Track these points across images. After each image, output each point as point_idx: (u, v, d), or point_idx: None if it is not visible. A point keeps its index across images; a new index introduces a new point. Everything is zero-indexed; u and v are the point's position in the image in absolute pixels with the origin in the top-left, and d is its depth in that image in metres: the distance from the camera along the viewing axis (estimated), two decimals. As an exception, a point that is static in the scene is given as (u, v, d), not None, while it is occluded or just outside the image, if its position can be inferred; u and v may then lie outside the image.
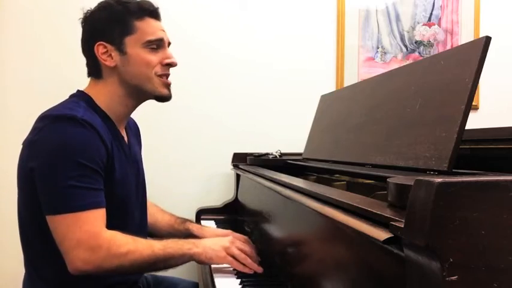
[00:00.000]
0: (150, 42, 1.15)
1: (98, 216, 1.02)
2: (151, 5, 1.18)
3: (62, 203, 1.00)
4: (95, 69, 1.17)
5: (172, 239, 1.13)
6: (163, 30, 1.20)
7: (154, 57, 1.16)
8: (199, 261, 1.13)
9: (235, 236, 1.37)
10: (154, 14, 1.18)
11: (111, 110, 1.17)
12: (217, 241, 1.17)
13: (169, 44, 1.22)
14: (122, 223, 1.12)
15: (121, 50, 1.14)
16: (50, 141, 1.02)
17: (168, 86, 1.20)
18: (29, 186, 1.05)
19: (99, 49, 1.14)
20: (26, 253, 1.13)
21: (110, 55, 1.14)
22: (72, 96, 1.17)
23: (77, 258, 0.99)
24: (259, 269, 1.15)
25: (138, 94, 1.19)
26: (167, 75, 1.20)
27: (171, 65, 1.19)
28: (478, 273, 0.49)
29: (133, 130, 1.36)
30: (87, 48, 1.17)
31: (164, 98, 1.20)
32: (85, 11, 1.18)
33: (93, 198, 1.02)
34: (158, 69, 1.17)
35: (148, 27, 1.15)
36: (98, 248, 1.00)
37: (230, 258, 1.13)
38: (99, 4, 1.17)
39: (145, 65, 1.15)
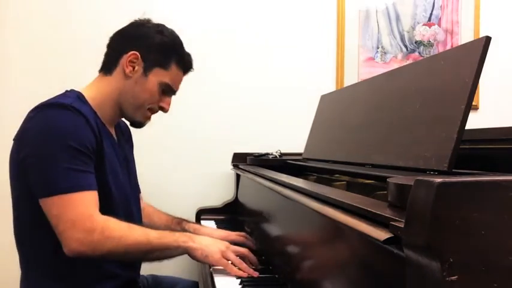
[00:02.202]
0: (167, 85, 1.23)
1: (90, 198, 1.04)
2: (191, 64, 1.28)
3: (54, 185, 1.01)
4: (109, 64, 1.21)
5: (168, 231, 1.14)
6: (180, 84, 1.29)
7: (157, 97, 1.23)
8: (194, 257, 1.12)
9: (232, 236, 1.38)
10: (187, 71, 1.28)
11: (101, 109, 1.18)
12: (214, 242, 1.17)
13: (175, 93, 1.29)
14: (117, 217, 1.12)
15: (145, 71, 1.20)
16: (39, 127, 1.05)
17: (148, 119, 1.27)
18: (23, 179, 1.06)
19: (131, 56, 1.18)
20: (21, 249, 1.13)
21: (134, 67, 1.19)
22: (63, 92, 1.19)
23: (72, 239, 1.00)
24: (255, 274, 1.13)
25: (123, 109, 1.23)
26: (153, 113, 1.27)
27: (163, 110, 1.27)
28: (478, 273, 0.49)
29: (124, 132, 1.38)
30: (120, 44, 1.21)
31: (138, 126, 1.28)
32: (144, 18, 1.23)
33: (84, 181, 1.04)
34: (154, 106, 1.24)
35: (176, 77, 1.25)
36: (92, 230, 1.01)
37: (225, 261, 1.13)
38: (161, 27, 1.23)
39: (148, 95, 1.22)
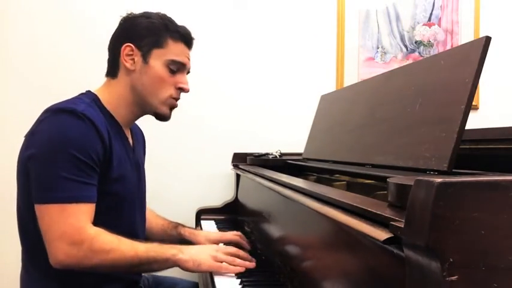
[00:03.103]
0: (173, 61, 1.20)
1: (85, 211, 1.02)
2: (189, 33, 1.24)
3: (49, 193, 1.00)
4: (113, 68, 1.21)
5: (157, 243, 1.12)
6: (189, 59, 1.25)
7: (169, 78, 1.20)
8: (186, 269, 1.11)
9: (227, 235, 1.39)
10: (188, 41, 1.23)
11: (117, 111, 1.19)
12: (203, 249, 1.16)
13: (188, 71, 1.26)
14: (119, 222, 1.12)
15: (145, 58, 1.18)
16: (46, 132, 1.04)
17: (172, 107, 1.24)
18: (26, 176, 1.06)
19: (126, 50, 1.17)
20: (24, 247, 1.13)
21: (133, 59, 1.18)
22: (80, 94, 1.19)
23: (59, 251, 0.99)
24: (251, 264, 1.14)
25: (142, 105, 1.21)
26: (176, 98, 1.24)
27: (184, 90, 1.24)
28: (478, 273, 0.49)
29: (139, 137, 1.38)
30: (115, 45, 1.20)
31: (163, 117, 1.24)
32: (129, 13, 1.22)
33: (82, 192, 1.02)
34: (172, 92, 1.21)
35: (177, 49, 1.20)
36: (80, 243, 1.00)
37: (218, 264, 1.12)
38: (144, 12, 1.22)
39: (159, 80, 1.19)
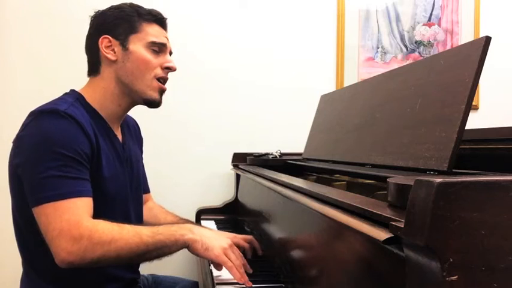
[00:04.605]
0: (153, 43, 1.19)
1: (80, 205, 1.00)
2: (160, 14, 1.24)
3: (41, 194, 0.99)
4: (94, 65, 1.20)
5: (164, 225, 1.09)
6: (168, 39, 1.24)
7: (154, 59, 1.19)
8: (193, 250, 1.06)
9: (237, 239, 1.29)
10: (161, 22, 1.24)
11: (103, 108, 1.18)
12: (217, 236, 1.12)
13: (170, 53, 1.25)
14: (112, 217, 1.11)
15: (124, 45, 1.17)
16: (31, 136, 1.04)
17: (161, 91, 1.22)
18: (17, 182, 1.05)
19: (104, 42, 1.17)
20: (22, 250, 1.13)
21: (113, 49, 1.18)
22: (63, 94, 1.18)
23: (60, 249, 0.97)
24: (248, 283, 1.06)
25: (130, 93, 1.19)
26: (165, 80, 1.22)
27: (171, 69, 1.22)
28: (478, 273, 0.49)
29: (133, 130, 1.36)
30: (91, 42, 1.20)
31: (152, 103, 1.21)
32: (96, 11, 1.22)
33: (73, 187, 1.01)
34: (158, 72, 1.20)
35: (153, 31, 1.21)
36: (79, 237, 0.97)
37: (224, 258, 1.07)
38: (112, 5, 1.22)
39: (143, 63, 1.18)
